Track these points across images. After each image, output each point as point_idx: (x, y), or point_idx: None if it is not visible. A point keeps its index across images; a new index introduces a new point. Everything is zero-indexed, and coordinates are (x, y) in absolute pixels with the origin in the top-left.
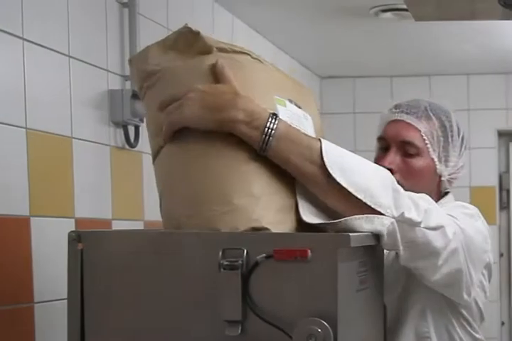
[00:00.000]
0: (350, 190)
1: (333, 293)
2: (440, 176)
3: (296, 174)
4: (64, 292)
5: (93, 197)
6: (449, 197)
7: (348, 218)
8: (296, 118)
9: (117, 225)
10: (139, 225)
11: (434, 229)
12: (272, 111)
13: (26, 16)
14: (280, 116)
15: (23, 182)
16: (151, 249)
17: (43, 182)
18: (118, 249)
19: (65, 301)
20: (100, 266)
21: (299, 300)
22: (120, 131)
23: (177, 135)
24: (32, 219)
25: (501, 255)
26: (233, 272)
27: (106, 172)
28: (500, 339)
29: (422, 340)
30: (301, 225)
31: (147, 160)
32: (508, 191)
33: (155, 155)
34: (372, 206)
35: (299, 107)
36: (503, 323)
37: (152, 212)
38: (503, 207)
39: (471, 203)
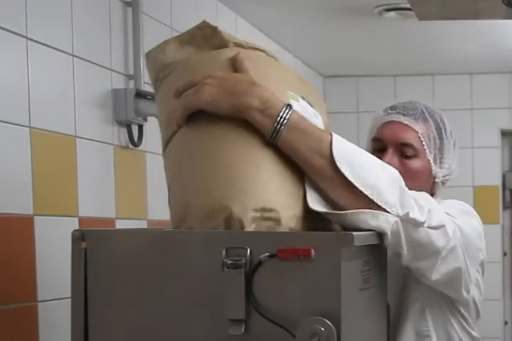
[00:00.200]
0: (357, 185)
1: (337, 292)
2: (434, 178)
3: (304, 165)
4: (68, 291)
5: (97, 196)
6: (438, 199)
7: (354, 211)
8: (307, 114)
9: (121, 224)
10: (142, 224)
11: (436, 228)
12: (287, 102)
13: (30, 15)
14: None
15: (26, 181)
16: (154, 247)
17: (46, 181)
18: (121, 248)
19: (69, 300)
20: (104, 265)
21: (302, 299)
22: (124, 130)
23: (191, 119)
24: (36, 218)
25: (504, 254)
26: (237, 271)
27: (109, 172)
28: (503, 338)
29: (422, 338)
30: (309, 214)
31: (151, 159)
32: (511, 190)
33: (165, 145)
34: (379, 203)
35: (311, 105)
36: (506, 323)
37: (156, 211)
38: (507, 206)
39: (474, 203)
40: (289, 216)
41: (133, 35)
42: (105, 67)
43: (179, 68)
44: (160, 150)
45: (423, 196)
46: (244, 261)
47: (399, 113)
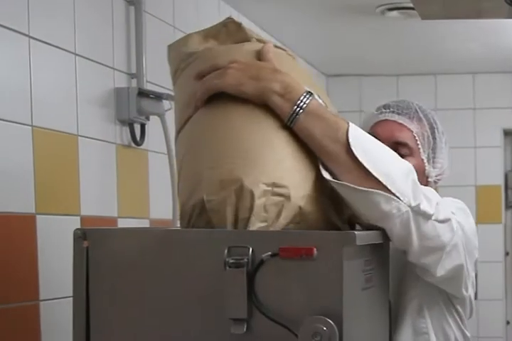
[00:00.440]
0: (372, 170)
1: (339, 292)
2: (427, 177)
3: (318, 150)
4: (69, 290)
5: (99, 195)
6: None
7: (370, 189)
8: None
9: (123, 223)
10: (144, 223)
11: (443, 221)
12: (308, 90)
13: (32, 14)
14: None
15: (29, 180)
16: (156, 246)
17: (48, 180)
18: (123, 247)
19: (71, 299)
20: (106, 264)
21: (304, 298)
22: (126, 129)
23: (210, 101)
24: (38, 216)
25: (507, 254)
26: (239, 270)
27: (112, 170)
28: (505, 338)
29: (420, 336)
30: (320, 197)
31: (153, 157)
32: None
33: (180, 128)
34: (392, 190)
35: (326, 106)
36: (508, 322)
37: (158, 210)
38: (509, 205)
39: (476, 202)
40: (299, 195)
41: (135, 34)
42: (107, 66)
43: (202, 57)
44: (162, 149)
45: (430, 190)
46: (246, 260)
47: (393, 112)
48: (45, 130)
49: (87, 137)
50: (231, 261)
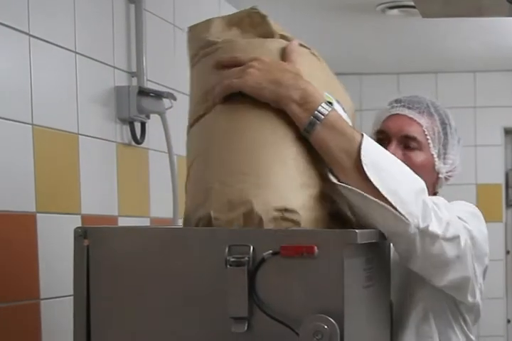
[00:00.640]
0: (381, 189)
1: (340, 290)
2: (438, 173)
3: (331, 162)
4: (70, 288)
5: (99, 194)
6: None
7: (380, 202)
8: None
9: (123, 222)
10: (145, 222)
11: (450, 239)
12: (329, 100)
13: (32, 12)
14: None
15: (29, 179)
16: (157, 245)
17: (49, 178)
18: (124, 246)
19: (72, 297)
20: (106, 263)
21: (305, 297)
22: (126, 128)
23: (228, 99)
24: (38, 215)
25: (507, 252)
26: (239, 268)
27: (112, 169)
28: (506, 337)
29: (424, 339)
30: (330, 218)
31: (154, 156)
32: None
33: (194, 122)
34: (402, 211)
35: (345, 111)
36: (509, 321)
37: (158, 208)
38: (510, 204)
39: (477, 201)
40: (309, 218)
41: (136, 32)
42: (108, 65)
43: (223, 49)
44: (163, 147)
45: (441, 202)
46: (247, 258)
47: (404, 106)
48: (46, 128)
49: (87, 136)
50: (232, 259)
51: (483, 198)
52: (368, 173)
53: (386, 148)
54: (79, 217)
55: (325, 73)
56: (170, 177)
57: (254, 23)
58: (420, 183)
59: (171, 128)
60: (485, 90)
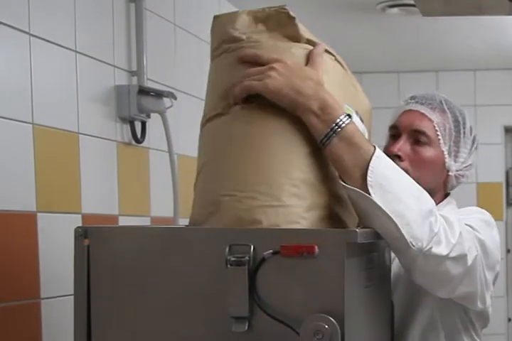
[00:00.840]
0: (388, 212)
1: (340, 289)
2: (448, 171)
3: (343, 176)
4: (71, 288)
5: (100, 193)
6: (451, 200)
7: (388, 212)
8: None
9: (124, 221)
10: (145, 221)
11: (456, 259)
12: (348, 112)
13: (33, 11)
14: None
15: (29, 178)
16: (157, 244)
17: (49, 178)
18: (124, 245)
19: (72, 297)
20: (107, 262)
21: (306, 297)
22: (127, 127)
23: (247, 101)
24: (39, 214)
25: (508, 251)
26: (240, 268)
27: (113, 168)
28: (507, 335)
29: None
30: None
31: (154, 155)
32: None
33: (209, 119)
34: (406, 235)
35: (362, 121)
36: (509, 319)
37: (159, 208)
38: (510, 203)
39: (477, 199)
40: None
41: (136, 32)
42: (108, 64)
43: (247, 48)
44: (163, 146)
45: (453, 218)
46: (247, 258)
47: (417, 102)
48: (46, 128)
49: (87, 135)
50: (232, 259)
51: (484, 197)
52: (374, 196)
53: (395, 142)
54: (79, 216)
55: (347, 80)
56: (170, 177)
57: (281, 22)
58: (428, 204)
59: (172, 128)
60: (485, 88)
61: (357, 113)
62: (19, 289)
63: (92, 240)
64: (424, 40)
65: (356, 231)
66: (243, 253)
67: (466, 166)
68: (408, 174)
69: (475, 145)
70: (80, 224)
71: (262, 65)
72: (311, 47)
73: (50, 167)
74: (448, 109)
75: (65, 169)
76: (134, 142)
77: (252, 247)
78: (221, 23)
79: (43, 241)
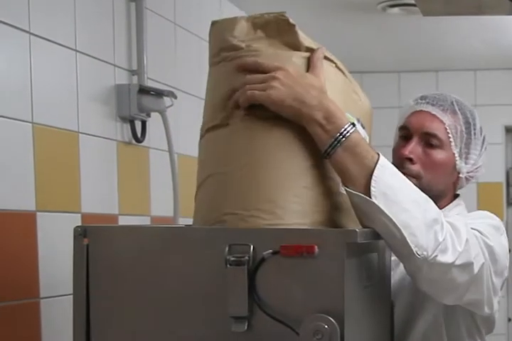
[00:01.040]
0: (394, 220)
1: (340, 289)
2: (459, 173)
3: (347, 182)
4: (70, 287)
5: (100, 193)
6: (460, 201)
7: (392, 218)
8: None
9: (124, 220)
10: (145, 220)
11: (462, 266)
12: (351, 121)
13: (33, 10)
14: None
15: (29, 178)
16: (157, 244)
17: (49, 177)
18: (124, 244)
19: (71, 296)
20: (106, 261)
21: (305, 297)
22: (127, 126)
23: (249, 111)
24: (38, 214)
25: (509, 251)
26: (239, 268)
27: (113, 168)
28: (507, 335)
29: None
30: None
31: (154, 155)
32: None
33: (209, 130)
34: (410, 244)
35: (363, 127)
36: (510, 319)
37: (159, 207)
38: (510, 202)
39: (478, 199)
40: None
41: (136, 31)
42: (108, 63)
43: (245, 57)
44: (163, 146)
45: (460, 224)
46: (247, 257)
47: (428, 103)
48: (46, 127)
49: (87, 134)
50: (232, 258)
51: (484, 197)
52: (379, 204)
53: (406, 144)
54: (79, 215)
55: (348, 87)
56: (170, 176)
57: (281, 29)
58: (433, 212)
59: (172, 127)
60: (486, 88)
61: (358, 120)
62: (19, 289)
63: (92, 239)
64: (425, 39)
65: (356, 231)
66: (243, 253)
67: (477, 168)
68: (420, 177)
69: (484, 146)
70: (80, 224)
71: (264, 73)
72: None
73: (49, 166)
74: (459, 110)
75: (65, 168)
76: (134, 141)
77: (251, 247)
78: (219, 30)
79: (43, 240)
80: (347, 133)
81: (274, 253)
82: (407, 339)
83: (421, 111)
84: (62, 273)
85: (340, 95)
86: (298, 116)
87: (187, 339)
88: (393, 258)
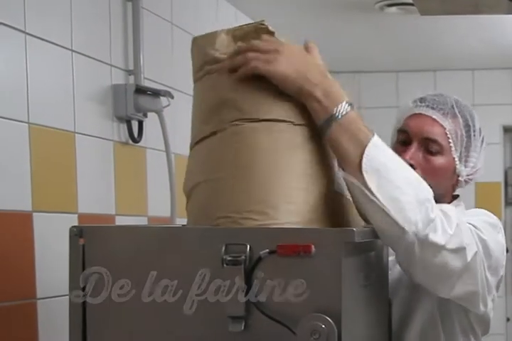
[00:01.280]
0: (379, 197)
1: (337, 289)
2: (458, 176)
3: (341, 161)
4: (66, 288)
5: (96, 193)
6: (459, 202)
7: (380, 204)
8: None
9: (121, 221)
10: (142, 221)
11: (454, 251)
12: (347, 101)
13: (28, 10)
14: None
15: (25, 178)
16: (153, 244)
17: (45, 177)
18: (120, 245)
19: (68, 297)
20: (102, 262)
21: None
22: (124, 126)
23: (237, 123)
24: (34, 214)
25: (507, 251)
26: (236, 267)
27: (109, 168)
28: (505, 335)
29: None
30: None
31: (151, 155)
32: None
33: (198, 142)
34: (399, 219)
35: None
36: (508, 319)
37: (156, 207)
38: (509, 202)
39: (476, 199)
40: None
41: (133, 30)
42: (105, 63)
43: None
44: (160, 146)
45: (450, 212)
46: (243, 257)
47: (428, 106)
48: (42, 127)
49: (84, 134)
50: (228, 258)
51: (483, 196)
52: (368, 181)
53: (406, 149)
54: (75, 216)
55: None
56: (167, 176)
57: (261, 38)
58: (425, 192)
59: (169, 127)
60: (483, 88)
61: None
62: (15, 289)
63: (87, 240)
64: (423, 39)
65: (353, 231)
66: (239, 252)
67: (476, 170)
68: None
69: (483, 146)
70: (77, 224)
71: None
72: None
73: (46, 166)
74: (459, 112)
75: (61, 168)
76: (130, 141)
77: (248, 246)
78: (200, 45)
79: (39, 241)
80: (343, 110)
81: (271, 252)
82: (405, 335)
83: (420, 114)
84: (59, 274)
85: None
86: (299, 91)
87: (184, 339)
88: (391, 258)
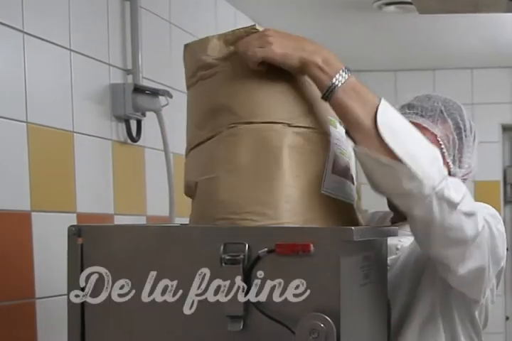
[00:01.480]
0: (398, 151)
1: (336, 288)
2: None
3: (349, 124)
4: (65, 287)
5: (95, 192)
6: None
7: (394, 164)
8: (343, 140)
9: (119, 220)
10: (141, 220)
11: (467, 214)
12: (347, 67)
13: (26, 9)
14: (332, 137)
15: (24, 177)
16: (151, 243)
17: (44, 177)
18: (118, 244)
19: (66, 296)
20: (100, 261)
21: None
22: (122, 126)
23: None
24: (33, 214)
25: (506, 249)
26: (235, 266)
27: (108, 167)
28: (505, 334)
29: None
30: None
31: (149, 154)
32: None
33: (194, 147)
34: (417, 171)
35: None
36: (507, 318)
37: (155, 207)
38: (508, 201)
39: (475, 198)
40: None
41: (131, 30)
42: (103, 62)
43: (220, 73)
44: (158, 145)
45: (457, 181)
46: (242, 256)
47: (417, 114)
48: (40, 126)
49: (82, 134)
50: (227, 257)
51: (482, 195)
52: (384, 135)
53: None
54: (74, 215)
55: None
56: (166, 175)
57: None
58: (436, 152)
59: (167, 126)
60: (482, 87)
61: (340, 123)
62: (14, 289)
63: (86, 239)
64: (421, 38)
65: (352, 229)
66: (238, 251)
67: (472, 168)
68: None
69: (476, 142)
70: (75, 223)
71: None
72: None
73: (44, 166)
74: (448, 116)
75: (60, 168)
76: (129, 141)
77: (246, 246)
78: (193, 52)
79: (38, 240)
80: (345, 74)
81: (270, 251)
82: (404, 332)
83: (410, 122)
84: (58, 273)
85: (320, 100)
86: (302, 63)
87: (183, 338)
88: (390, 258)
